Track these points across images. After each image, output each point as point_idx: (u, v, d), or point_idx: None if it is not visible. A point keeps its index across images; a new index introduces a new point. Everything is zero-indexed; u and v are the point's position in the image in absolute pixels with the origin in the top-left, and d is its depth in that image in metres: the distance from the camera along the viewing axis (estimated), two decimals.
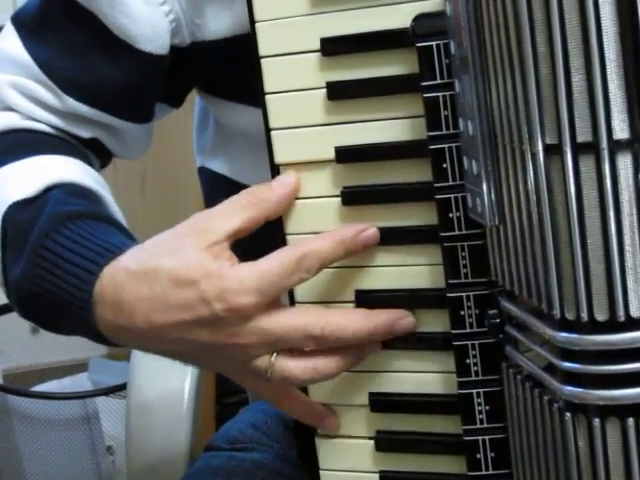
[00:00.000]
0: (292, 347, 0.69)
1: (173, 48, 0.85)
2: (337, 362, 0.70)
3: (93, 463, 2.08)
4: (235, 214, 0.70)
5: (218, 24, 0.84)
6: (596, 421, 0.58)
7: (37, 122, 0.86)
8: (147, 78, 0.85)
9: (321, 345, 0.69)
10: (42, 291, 0.75)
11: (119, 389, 2.02)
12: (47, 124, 0.86)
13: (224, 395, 1.76)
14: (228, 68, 0.86)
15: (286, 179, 0.71)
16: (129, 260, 0.71)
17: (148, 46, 0.83)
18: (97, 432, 2.07)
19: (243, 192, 0.71)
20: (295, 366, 0.69)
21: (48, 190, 0.79)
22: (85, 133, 0.87)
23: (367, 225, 0.70)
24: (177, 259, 0.69)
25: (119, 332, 0.72)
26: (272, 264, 0.68)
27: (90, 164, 0.86)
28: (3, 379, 2.20)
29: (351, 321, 0.69)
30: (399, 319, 0.70)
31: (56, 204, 0.77)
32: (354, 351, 0.71)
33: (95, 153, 0.89)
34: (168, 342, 0.70)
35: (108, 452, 2.07)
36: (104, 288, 0.71)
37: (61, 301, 0.74)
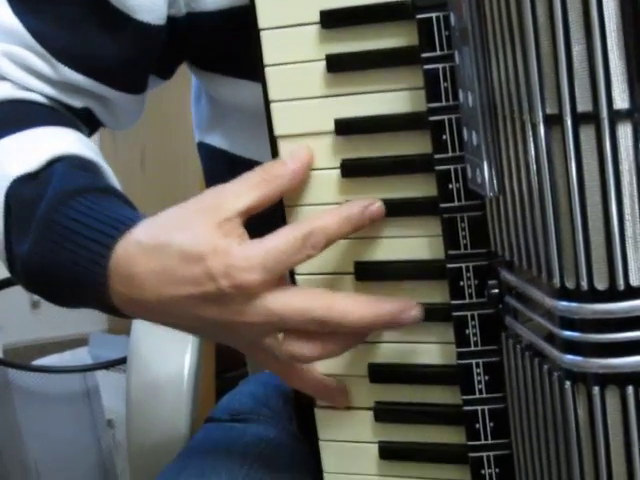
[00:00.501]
0: (294, 328, 0.69)
1: (168, 19, 0.85)
2: (344, 340, 0.70)
3: (93, 437, 2.09)
4: (248, 191, 0.70)
5: None
6: (595, 389, 0.59)
7: (31, 92, 0.85)
8: (143, 49, 0.85)
9: (322, 329, 0.69)
10: (53, 265, 0.75)
11: (119, 363, 2.02)
12: (40, 93, 0.85)
13: (224, 370, 1.77)
14: (223, 41, 0.85)
15: (299, 154, 0.71)
16: (141, 233, 0.71)
17: (146, 16, 0.83)
18: (97, 406, 2.08)
19: (257, 168, 0.71)
20: (302, 345, 0.69)
21: (50, 164, 0.78)
22: (78, 103, 0.87)
23: (373, 199, 0.70)
24: (187, 234, 0.69)
25: (131, 305, 0.72)
26: (279, 241, 0.68)
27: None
28: (3, 354, 2.20)
29: (355, 308, 0.68)
30: (404, 311, 0.69)
31: (61, 178, 0.76)
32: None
33: (85, 123, 0.89)
34: (177, 316, 0.71)
35: (108, 426, 2.08)
36: (118, 261, 0.71)
37: (75, 275, 0.74)
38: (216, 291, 0.68)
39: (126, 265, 0.71)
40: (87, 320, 2.40)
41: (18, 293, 2.45)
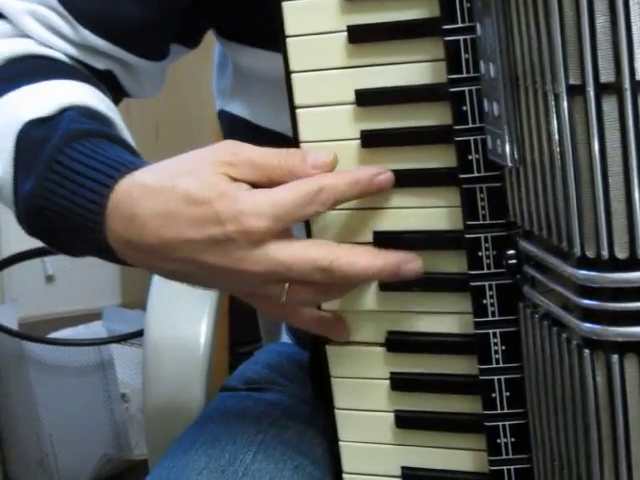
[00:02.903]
0: (299, 279, 0.69)
1: None
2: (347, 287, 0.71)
3: (107, 410, 2.10)
4: (261, 160, 0.70)
5: None
6: (614, 357, 0.59)
7: (53, 50, 0.86)
8: (164, 15, 0.86)
9: (329, 279, 0.69)
10: (53, 205, 0.75)
11: (134, 336, 2.03)
12: (63, 52, 0.86)
13: (237, 344, 1.77)
14: (246, 10, 0.86)
15: (323, 159, 0.70)
16: (146, 175, 0.71)
17: None
18: (112, 379, 2.08)
19: (279, 151, 0.70)
20: (310, 291, 0.70)
21: (63, 111, 0.79)
22: (100, 65, 0.87)
23: (382, 169, 0.70)
24: (193, 178, 0.69)
25: (127, 247, 0.72)
26: (289, 192, 0.68)
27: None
28: (19, 327, 2.21)
29: (360, 258, 0.69)
30: (407, 262, 0.70)
31: (70, 123, 0.77)
32: None
33: (109, 88, 0.89)
34: (174, 261, 0.70)
35: (122, 399, 2.09)
36: (119, 201, 0.71)
37: (73, 215, 0.74)
38: (221, 235, 0.68)
39: (127, 205, 0.71)
40: (101, 294, 2.41)
41: (33, 267, 2.46)
